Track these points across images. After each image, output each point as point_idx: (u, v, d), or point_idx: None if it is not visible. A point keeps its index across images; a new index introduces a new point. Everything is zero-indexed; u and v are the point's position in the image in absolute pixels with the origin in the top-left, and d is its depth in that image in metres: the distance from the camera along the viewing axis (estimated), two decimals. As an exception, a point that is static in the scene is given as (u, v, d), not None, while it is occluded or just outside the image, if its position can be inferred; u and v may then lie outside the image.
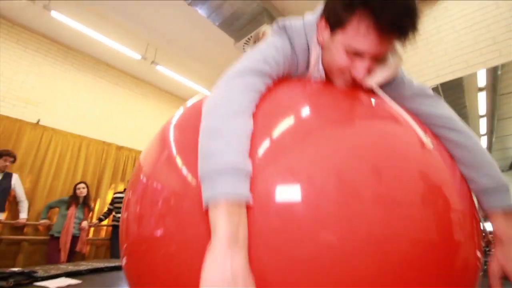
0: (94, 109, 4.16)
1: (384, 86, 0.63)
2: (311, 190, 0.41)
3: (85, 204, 3.24)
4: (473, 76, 2.72)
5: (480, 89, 3.63)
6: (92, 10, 3.39)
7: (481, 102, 3.97)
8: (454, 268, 0.45)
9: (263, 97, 0.54)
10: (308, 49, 0.61)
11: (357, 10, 0.48)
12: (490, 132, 5.28)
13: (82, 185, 3.25)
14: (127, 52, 3.84)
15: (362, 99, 0.58)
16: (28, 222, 3.04)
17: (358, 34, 0.50)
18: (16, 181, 2.92)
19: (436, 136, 0.60)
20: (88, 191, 3.27)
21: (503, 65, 2.37)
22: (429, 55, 2.57)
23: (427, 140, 0.51)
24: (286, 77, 0.62)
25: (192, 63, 4.38)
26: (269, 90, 0.56)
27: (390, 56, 0.59)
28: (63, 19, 3.26)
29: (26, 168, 3.32)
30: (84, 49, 4.07)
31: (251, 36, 3.23)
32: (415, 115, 0.62)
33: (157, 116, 4.94)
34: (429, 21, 2.66)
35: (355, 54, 0.52)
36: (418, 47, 2.65)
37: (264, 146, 0.45)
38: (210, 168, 0.39)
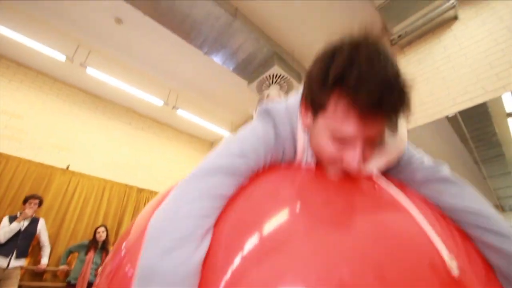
0: (120, 153, 4.43)
1: (389, 170, 0.55)
2: None
3: (103, 248, 3.22)
4: (499, 101, 2.57)
5: (509, 115, 3.40)
6: (120, 63, 3.80)
7: (513, 128, 3.69)
8: None
9: (243, 191, 0.47)
10: (294, 137, 0.54)
11: (334, 91, 0.42)
12: (532, 160, 4.80)
13: (102, 228, 3.28)
14: (150, 99, 4.16)
15: (359, 191, 0.49)
16: (47, 268, 3.06)
17: (340, 118, 0.43)
18: (42, 226, 2.99)
19: (466, 237, 0.47)
20: (107, 235, 3.29)
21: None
22: (443, 83, 2.50)
23: (451, 262, 0.39)
24: (272, 165, 0.55)
25: (210, 106, 4.62)
26: (251, 180, 0.49)
27: (389, 135, 0.51)
28: (97, 74, 3.67)
29: (52, 213, 3.46)
30: (113, 98, 4.49)
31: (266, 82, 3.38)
32: (435, 205, 0.51)
33: (179, 157, 5.14)
34: (438, 51, 2.64)
35: (343, 140, 0.45)
36: (430, 77, 2.61)
37: (241, 254, 0.39)
38: None
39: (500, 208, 2.48)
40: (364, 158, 0.46)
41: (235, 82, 3.80)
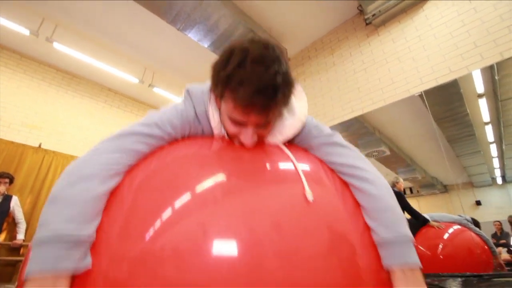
0: (96, 130, 4.33)
1: (295, 139, 0.68)
2: (217, 247, 0.41)
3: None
4: (471, 82, 2.67)
5: (480, 96, 3.54)
6: (93, 40, 3.63)
7: (483, 109, 3.86)
8: None
9: (162, 153, 0.56)
10: (207, 116, 0.63)
11: (226, 86, 0.51)
12: (499, 140, 5.06)
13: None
14: (125, 76, 4.04)
15: (262, 155, 0.59)
16: (24, 243, 3.10)
17: (231, 108, 0.53)
18: (15, 203, 3.02)
19: (344, 183, 0.61)
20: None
21: (499, 70, 2.31)
22: (412, 63, 2.56)
23: (309, 193, 0.52)
24: (192, 136, 0.65)
25: (186, 83, 4.53)
26: (170, 147, 0.58)
27: (287, 114, 0.63)
28: (65, 50, 3.50)
29: (26, 191, 3.43)
30: (86, 75, 4.33)
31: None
32: (327, 165, 0.64)
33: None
34: (410, 31, 2.67)
35: (239, 123, 0.55)
36: (401, 56, 2.65)
37: (167, 204, 0.46)
38: (37, 238, 0.40)
39: (471, 184, 2.63)
40: (260, 136, 0.59)
41: (211, 59, 3.71)
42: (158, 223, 0.43)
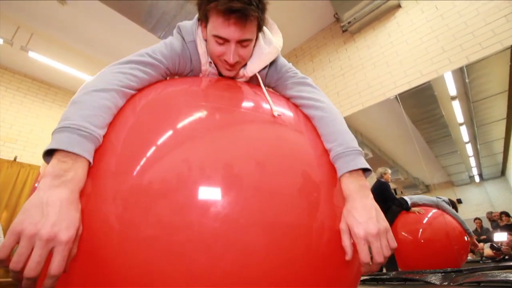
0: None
1: (271, 78, 0.76)
2: (200, 179, 0.44)
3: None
4: (444, 86, 2.80)
5: (453, 98, 3.72)
6: (70, 49, 3.56)
7: (457, 110, 4.05)
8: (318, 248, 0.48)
9: (154, 95, 0.60)
10: (196, 45, 0.70)
11: (210, 5, 0.59)
12: (474, 139, 5.32)
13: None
14: (105, 86, 3.96)
15: (243, 89, 0.66)
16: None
17: (216, 24, 0.60)
18: None
19: (309, 119, 0.68)
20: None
21: (469, 73, 2.44)
22: (386, 67, 2.66)
23: (275, 109, 0.61)
24: (180, 75, 0.73)
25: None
26: (160, 86, 0.62)
27: (263, 43, 0.71)
28: (41, 59, 3.41)
29: (1, 206, 3.28)
30: (64, 85, 4.22)
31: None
32: (296, 99, 0.72)
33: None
34: (384, 37, 2.78)
35: (223, 41, 0.62)
36: (376, 62, 2.76)
37: (155, 139, 0.49)
38: (57, 128, 0.45)
39: (451, 183, 2.72)
40: (241, 57, 0.65)
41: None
42: (144, 159, 0.46)
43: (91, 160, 0.45)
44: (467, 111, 3.85)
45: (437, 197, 2.23)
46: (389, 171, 2.65)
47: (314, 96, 0.69)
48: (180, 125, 0.51)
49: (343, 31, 3.08)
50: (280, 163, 0.50)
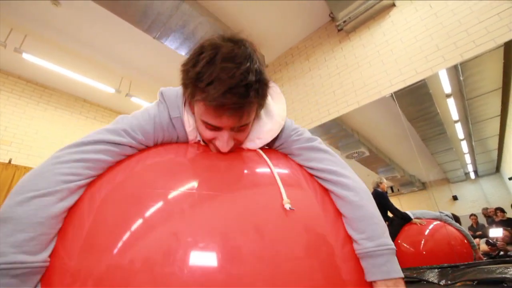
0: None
1: (274, 144, 0.65)
2: (195, 253, 0.39)
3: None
4: (438, 83, 2.82)
5: (448, 96, 3.75)
6: (65, 50, 3.53)
7: (452, 108, 4.09)
8: None
9: (134, 161, 0.51)
10: (182, 121, 0.59)
11: (196, 87, 0.48)
12: (469, 136, 5.37)
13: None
14: (101, 86, 3.94)
15: (239, 163, 0.56)
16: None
17: (203, 111, 0.50)
18: None
19: (327, 192, 0.58)
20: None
21: (463, 71, 2.46)
22: (382, 66, 2.68)
23: (287, 202, 0.48)
24: (165, 143, 0.60)
25: (167, 93, 4.49)
26: (144, 151, 0.54)
27: (264, 117, 0.60)
28: (35, 60, 3.38)
29: (-5, 210, 3.24)
30: (59, 86, 4.18)
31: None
32: (306, 167, 0.61)
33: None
34: (379, 36, 2.80)
35: (214, 128, 0.52)
36: (372, 60, 2.77)
37: (146, 212, 0.43)
38: None
39: (447, 180, 2.75)
40: (237, 141, 0.55)
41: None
42: (124, 237, 0.40)
43: None
44: (462, 109, 3.88)
45: (440, 212, 2.24)
46: (385, 180, 2.66)
47: (331, 168, 0.57)
48: (165, 199, 0.44)
49: (339, 30, 3.09)
50: (277, 236, 0.44)
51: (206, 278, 0.37)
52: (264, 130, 0.60)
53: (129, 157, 0.54)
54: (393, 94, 2.53)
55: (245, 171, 0.53)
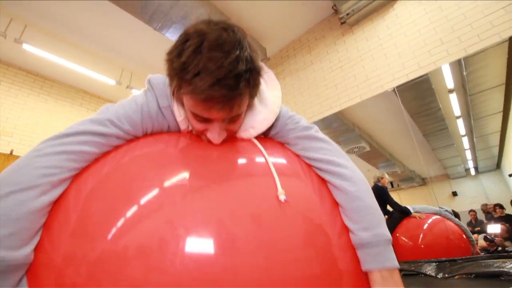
0: (72, 136, 4.18)
1: (270, 133, 0.62)
2: (191, 241, 0.38)
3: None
4: (441, 78, 2.79)
5: (450, 91, 3.72)
6: (65, 41, 3.51)
7: (454, 103, 4.06)
8: None
9: (122, 152, 0.50)
10: (172, 110, 0.56)
11: (183, 78, 0.44)
12: (470, 132, 5.35)
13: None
14: (102, 78, 3.92)
15: (232, 153, 0.54)
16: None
17: (192, 103, 0.47)
18: None
19: (324, 182, 0.57)
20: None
21: (467, 66, 2.43)
22: (385, 60, 2.65)
23: (281, 193, 0.47)
24: (156, 133, 0.58)
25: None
26: (131, 142, 0.52)
27: (257, 105, 0.58)
28: (36, 51, 3.36)
29: (-3, 200, 3.27)
30: (60, 78, 4.16)
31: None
32: (303, 157, 0.60)
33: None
34: (382, 29, 2.76)
35: (204, 119, 0.49)
36: (375, 54, 2.74)
37: (137, 201, 0.42)
38: None
39: (447, 176, 2.76)
40: (230, 132, 0.53)
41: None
42: (113, 228, 0.39)
43: None
44: (464, 104, 3.86)
45: (440, 207, 2.24)
46: (386, 175, 2.67)
47: (328, 158, 0.56)
48: (154, 191, 0.43)
49: (342, 23, 3.05)
50: (272, 228, 0.43)
51: (200, 269, 0.36)
52: (258, 119, 0.57)
53: (116, 148, 0.52)
54: (396, 89, 2.51)
55: (239, 161, 0.52)
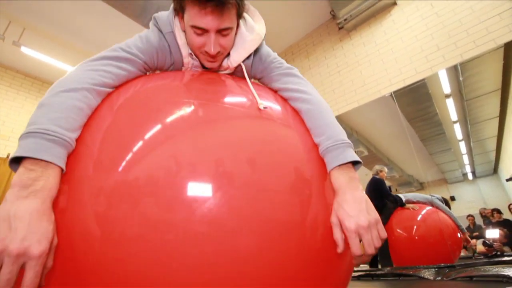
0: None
1: (256, 68, 0.74)
2: (190, 176, 0.42)
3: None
4: (438, 84, 2.82)
5: (447, 96, 3.76)
6: (64, 44, 3.51)
7: (451, 108, 4.10)
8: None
9: (138, 85, 0.58)
10: (175, 36, 0.66)
11: None
12: (467, 137, 5.39)
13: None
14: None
15: (227, 83, 0.63)
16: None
17: (192, 13, 0.57)
18: None
19: (297, 112, 0.66)
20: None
21: (463, 71, 2.46)
22: (382, 65, 2.67)
23: (261, 102, 0.58)
24: (162, 70, 0.69)
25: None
26: (144, 81, 0.60)
27: (245, 31, 0.69)
28: (34, 54, 3.36)
29: (-7, 204, 3.23)
30: (58, 82, 4.16)
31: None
32: (283, 91, 0.70)
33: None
34: (379, 35, 2.79)
35: (202, 32, 0.59)
36: (372, 59, 2.77)
37: (142, 135, 0.47)
38: (24, 133, 0.42)
39: (445, 180, 2.76)
40: (222, 47, 0.62)
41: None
42: (131, 154, 0.44)
43: (64, 167, 0.42)
44: (460, 109, 3.89)
45: (431, 195, 2.26)
46: (386, 169, 2.67)
47: (300, 88, 0.67)
48: (162, 122, 0.49)
49: (339, 28, 3.08)
50: (269, 159, 0.49)
51: (199, 202, 0.40)
52: (247, 40, 0.67)
53: (130, 81, 0.61)
54: (393, 94, 2.53)
55: (230, 92, 0.61)
